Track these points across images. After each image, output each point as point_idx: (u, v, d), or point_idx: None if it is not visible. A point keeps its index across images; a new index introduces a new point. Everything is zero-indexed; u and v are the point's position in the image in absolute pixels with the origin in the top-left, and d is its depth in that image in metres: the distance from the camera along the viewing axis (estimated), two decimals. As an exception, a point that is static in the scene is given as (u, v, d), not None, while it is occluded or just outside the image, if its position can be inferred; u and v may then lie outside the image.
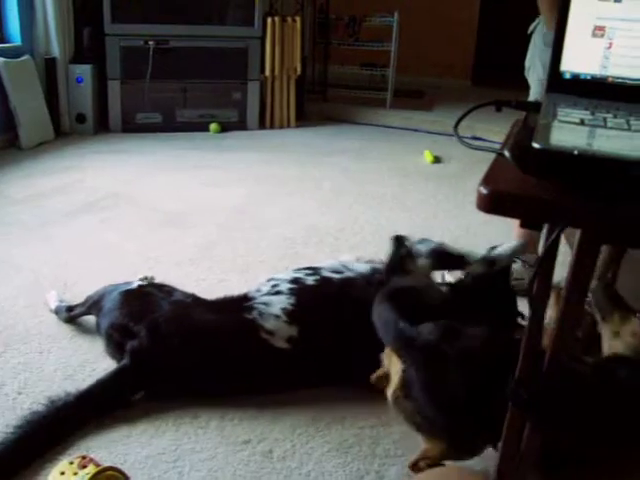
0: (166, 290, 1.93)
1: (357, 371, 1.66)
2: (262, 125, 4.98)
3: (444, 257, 1.73)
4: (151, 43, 4.46)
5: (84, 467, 1.42)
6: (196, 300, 1.91)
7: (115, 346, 1.80)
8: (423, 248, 1.73)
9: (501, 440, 1.11)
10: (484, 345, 1.43)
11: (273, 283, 1.88)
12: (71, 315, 2.06)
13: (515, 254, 1.82)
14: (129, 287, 1.93)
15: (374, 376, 1.62)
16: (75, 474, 1.40)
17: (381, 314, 1.48)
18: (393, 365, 1.47)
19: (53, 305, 2.12)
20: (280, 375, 1.78)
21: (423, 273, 1.73)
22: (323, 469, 1.54)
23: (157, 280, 2.15)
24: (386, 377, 1.52)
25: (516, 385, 1.05)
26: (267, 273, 2.05)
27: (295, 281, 1.86)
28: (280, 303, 1.79)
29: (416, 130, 5.13)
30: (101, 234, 2.83)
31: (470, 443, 1.41)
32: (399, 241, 1.76)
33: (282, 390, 1.78)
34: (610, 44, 0.96)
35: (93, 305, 1.97)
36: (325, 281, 1.86)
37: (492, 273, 1.81)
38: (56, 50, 4.32)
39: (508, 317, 1.74)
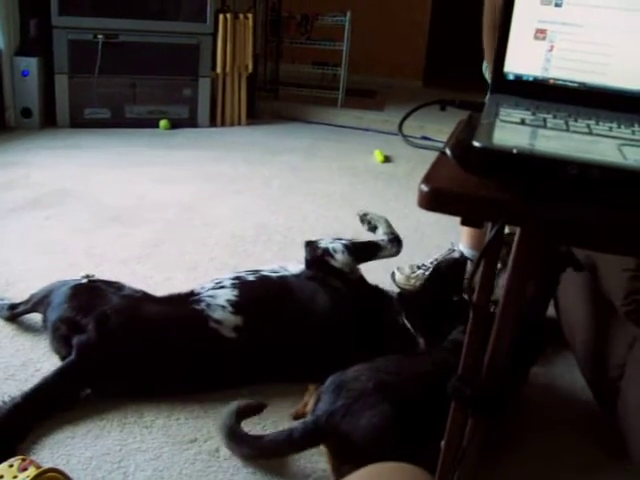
0: (116, 286, 1.92)
1: (301, 360, 1.80)
2: (213, 122, 4.93)
3: (359, 248, 1.98)
4: (100, 37, 4.37)
5: (24, 470, 1.37)
6: (145, 295, 1.92)
7: (61, 340, 1.76)
8: (337, 245, 1.96)
9: (444, 437, 1.13)
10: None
11: (216, 281, 1.94)
12: (14, 313, 2.01)
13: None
14: (78, 282, 1.90)
15: (293, 412, 1.69)
16: (15, 477, 1.36)
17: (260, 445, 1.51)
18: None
19: (-6, 303, 2.06)
20: (230, 365, 1.79)
21: (348, 266, 1.94)
22: (270, 467, 1.53)
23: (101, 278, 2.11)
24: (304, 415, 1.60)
25: (459, 382, 1.06)
26: (215, 271, 2.04)
27: (237, 278, 1.93)
28: (224, 295, 1.85)
29: (367, 129, 5.16)
30: (45, 231, 2.76)
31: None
32: (310, 244, 2.00)
33: (232, 383, 1.78)
34: (551, 47, 0.98)
35: (39, 302, 1.92)
36: (264, 277, 1.96)
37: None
38: (0, 42, 4.19)
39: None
